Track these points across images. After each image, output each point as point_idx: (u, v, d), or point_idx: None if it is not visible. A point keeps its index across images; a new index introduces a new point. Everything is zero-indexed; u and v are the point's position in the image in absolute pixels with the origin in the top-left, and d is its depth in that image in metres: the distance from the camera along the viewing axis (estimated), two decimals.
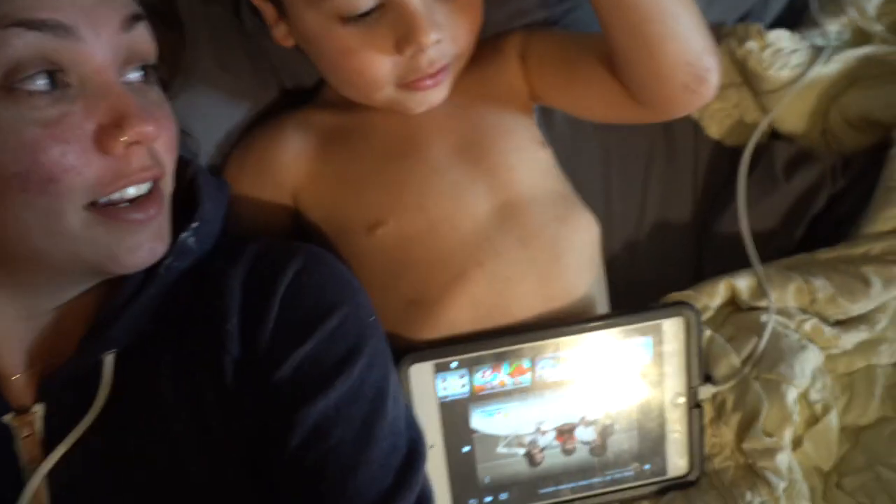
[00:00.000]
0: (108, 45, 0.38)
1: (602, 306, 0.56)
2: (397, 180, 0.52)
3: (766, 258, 0.60)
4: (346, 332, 0.42)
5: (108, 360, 0.41)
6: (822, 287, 0.56)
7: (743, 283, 0.58)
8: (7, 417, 0.40)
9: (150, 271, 0.42)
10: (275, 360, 0.40)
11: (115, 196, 0.38)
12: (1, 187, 0.35)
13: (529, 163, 0.53)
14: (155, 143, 0.40)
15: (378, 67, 0.47)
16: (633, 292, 0.64)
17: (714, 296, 0.58)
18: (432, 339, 0.51)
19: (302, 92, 0.60)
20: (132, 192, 0.39)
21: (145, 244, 0.39)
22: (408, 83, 0.48)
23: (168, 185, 0.43)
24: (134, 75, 0.40)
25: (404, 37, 0.45)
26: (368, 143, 0.54)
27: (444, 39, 0.46)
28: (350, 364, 0.41)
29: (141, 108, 0.38)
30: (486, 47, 0.54)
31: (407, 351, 0.49)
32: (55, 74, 0.36)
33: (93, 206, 0.37)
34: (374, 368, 0.42)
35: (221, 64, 0.55)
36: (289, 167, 0.54)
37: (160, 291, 0.42)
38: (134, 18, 0.40)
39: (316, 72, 0.59)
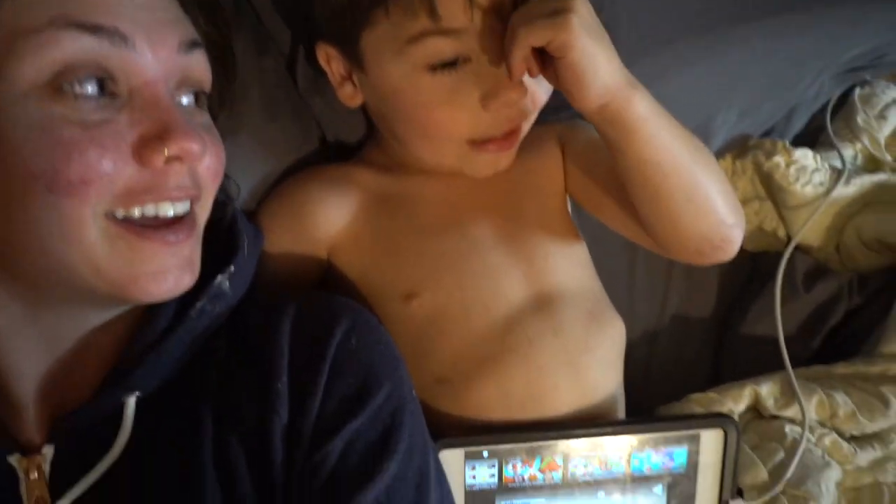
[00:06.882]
0: (162, 62, 0.36)
1: (622, 410, 0.55)
2: (438, 254, 0.51)
3: (782, 365, 0.60)
4: (391, 407, 0.40)
5: (130, 403, 0.37)
6: (843, 403, 0.56)
7: (765, 390, 0.58)
8: (13, 458, 0.36)
9: (181, 313, 0.39)
10: (325, 433, 0.38)
11: (149, 211, 0.35)
12: (25, 185, 0.32)
13: (565, 255, 0.53)
14: (199, 167, 0.38)
15: (458, 120, 0.46)
16: (650, 384, 0.63)
17: (739, 400, 0.58)
18: (462, 418, 0.49)
19: (341, 147, 0.58)
20: (168, 212, 0.36)
21: (172, 271, 0.36)
22: (480, 142, 0.48)
23: (204, 214, 0.40)
24: (185, 99, 0.38)
25: (492, 91, 0.44)
26: (413, 210, 0.52)
27: (526, 98, 0.46)
28: (395, 443, 0.39)
29: (188, 125, 0.36)
30: (529, 135, 0.53)
31: (435, 427, 0.46)
32: (105, 82, 0.34)
33: (112, 217, 0.34)
34: (415, 451, 0.40)
35: (268, 112, 0.54)
36: (327, 222, 0.52)
37: (191, 336, 0.39)
38: (192, 44, 0.38)
39: (359, 130, 0.58)
